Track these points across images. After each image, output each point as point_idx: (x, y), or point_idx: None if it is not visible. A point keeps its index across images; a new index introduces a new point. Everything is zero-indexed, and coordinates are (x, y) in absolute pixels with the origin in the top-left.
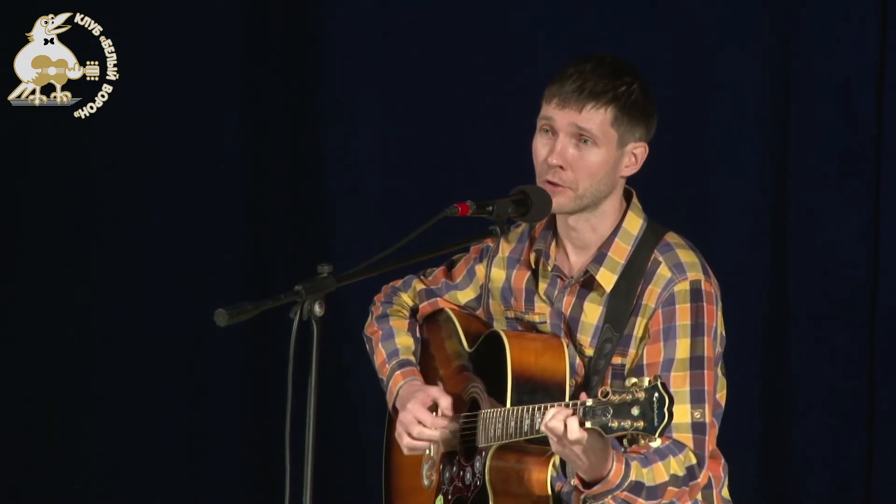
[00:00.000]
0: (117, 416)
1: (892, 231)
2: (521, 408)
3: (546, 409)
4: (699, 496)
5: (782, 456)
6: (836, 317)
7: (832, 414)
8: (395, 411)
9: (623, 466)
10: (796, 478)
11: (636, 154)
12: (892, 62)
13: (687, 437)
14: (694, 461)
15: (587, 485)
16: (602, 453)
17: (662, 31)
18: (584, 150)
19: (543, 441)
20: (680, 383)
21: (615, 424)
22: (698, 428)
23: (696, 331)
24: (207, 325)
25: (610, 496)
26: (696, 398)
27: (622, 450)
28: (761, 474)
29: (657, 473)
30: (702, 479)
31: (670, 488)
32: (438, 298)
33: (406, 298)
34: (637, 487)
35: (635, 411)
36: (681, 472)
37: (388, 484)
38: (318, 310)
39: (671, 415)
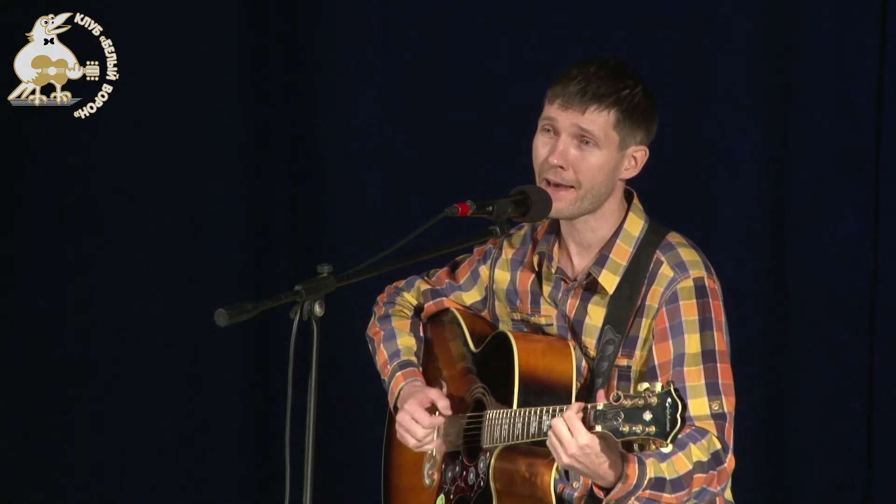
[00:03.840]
0: (117, 416)
1: (892, 231)
2: (528, 409)
3: (554, 411)
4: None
5: (782, 456)
6: (836, 317)
7: (832, 414)
8: (397, 411)
9: (637, 465)
10: (796, 478)
11: (636, 157)
12: (892, 62)
13: (709, 424)
14: (718, 446)
15: (606, 490)
16: (610, 456)
17: (662, 31)
18: (586, 151)
19: None
20: (695, 377)
21: (626, 429)
22: (719, 416)
23: (705, 325)
24: (207, 325)
25: (633, 497)
26: (712, 391)
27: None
28: (761, 474)
29: (678, 465)
30: (728, 464)
31: (696, 475)
32: (444, 298)
33: (409, 298)
34: (658, 483)
35: (647, 416)
36: (705, 458)
37: (387, 482)
38: (318, 310)
39: (684, 421)
